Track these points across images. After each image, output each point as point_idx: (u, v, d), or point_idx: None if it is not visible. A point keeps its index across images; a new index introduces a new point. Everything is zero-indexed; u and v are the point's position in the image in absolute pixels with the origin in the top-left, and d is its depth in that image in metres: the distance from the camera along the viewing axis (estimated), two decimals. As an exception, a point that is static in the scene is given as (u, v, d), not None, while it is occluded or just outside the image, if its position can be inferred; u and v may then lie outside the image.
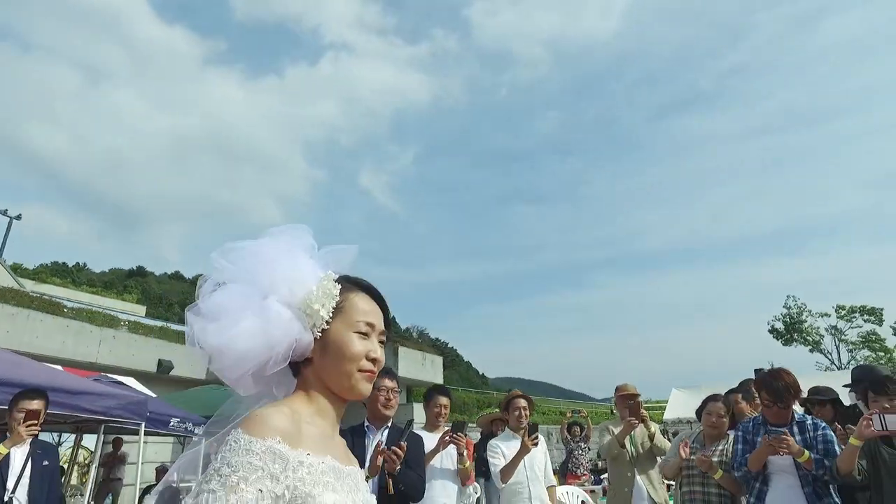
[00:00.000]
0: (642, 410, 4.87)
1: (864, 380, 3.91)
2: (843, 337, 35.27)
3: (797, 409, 4.79)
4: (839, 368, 30.84)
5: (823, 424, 3.43)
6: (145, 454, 14.67)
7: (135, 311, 27.33)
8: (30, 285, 20.81)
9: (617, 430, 4.96)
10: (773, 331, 37.45)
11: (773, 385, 3.45)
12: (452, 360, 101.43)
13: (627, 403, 5.01)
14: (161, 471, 9.50)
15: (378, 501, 2.97)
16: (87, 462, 12.76)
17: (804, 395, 4.52)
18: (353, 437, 3.30)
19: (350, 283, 1.17)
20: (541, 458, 4.38)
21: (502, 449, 4.28)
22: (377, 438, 3.27)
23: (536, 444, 4.08)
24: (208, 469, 0.90)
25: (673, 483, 5.23)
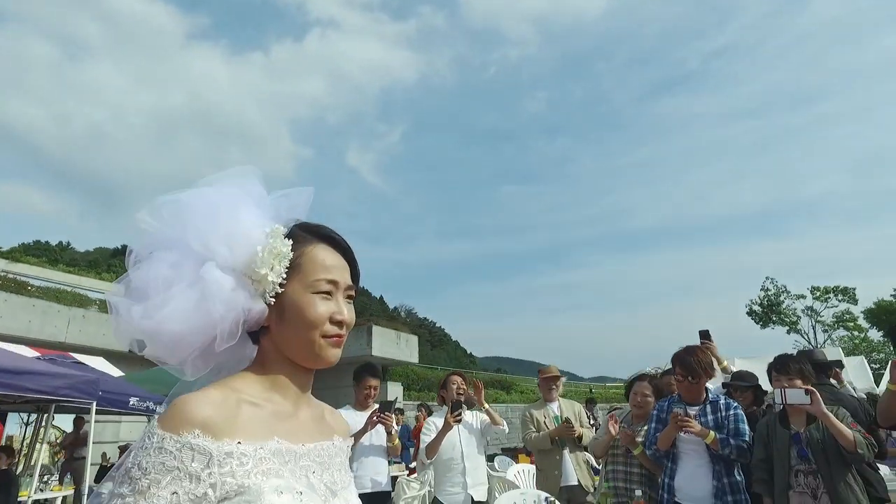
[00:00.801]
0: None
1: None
2: (818, 318, 35.91)
3: (711, 386, 4.91)
4: (815, 347, 31.46)
5: (735, 405, 3.51)
6: (118, 434, 14.70)
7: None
8: (1, 264, 20.55)
9: (538, 413, 5.07)
10: (751, 313, 37.99)
11: (686, 360, 3.52)
12: (440, 340, 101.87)
13: (551, 386, 5.15)
14: (124, 449, 9.52)
15: None
16: (58, 441, 12.78)
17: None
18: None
19: (307, 233, 1.00)
20: (478, 434, 4.45)
21: (435, 425, 4.34)
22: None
23: (459, 421, 4.12)
24: (119, 470, 0.80)
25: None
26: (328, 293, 0.97)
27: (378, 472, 4.31)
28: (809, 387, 3.07)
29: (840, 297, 35.04)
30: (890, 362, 3.27)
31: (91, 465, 8.07)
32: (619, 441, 4.04)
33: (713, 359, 5.22)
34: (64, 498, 9.79)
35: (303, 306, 0.95)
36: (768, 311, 37.31)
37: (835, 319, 35.16)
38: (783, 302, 37.19)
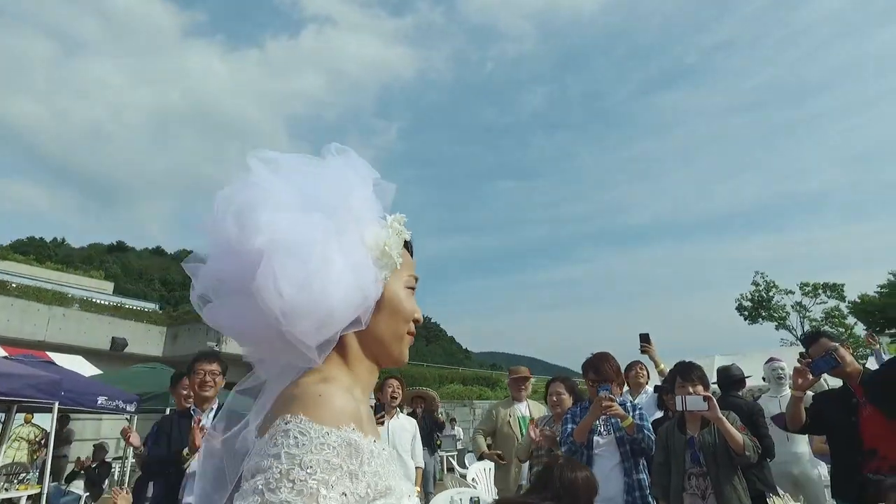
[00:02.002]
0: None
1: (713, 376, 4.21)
2: (807, 314, 36.07)
3: (650, 388, 5.02)
4: (732, 364, 31.54)
5: (640, 406, 3.64)
6: (99, 432, 14.77)
7: (101, 287, 27.20)
8: (-14, 262, 20.61)
9: (503, 412, 5.18)
10: (740, 308, 38.14)
11: (599, 366, 3.63)
12: (435, 335, 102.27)
13: (521, 386, 5.27)
14: (99, 448, 9.61)
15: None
16: (38, 440, 12.90)
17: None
18: (180, 420, 3.42)
19: None
20: (406, 438, 4.54)
21: None
22: (203, 420, 3.39)
23: (381, 423, 4.22)
24: (266, 472, 0.67)
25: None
26: (412, 289, 0.95)
27: None
28: (708, 394, 3.19)
29: (829, 293, 35.23)
30: (793, 369, 3.39)
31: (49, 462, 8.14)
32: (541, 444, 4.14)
33: (653, 361, 5.35)
34: (33, 496, 9.89)
35: (401, 299, 0.91)
36: (758, 307, 37.45)
37: (823, 315, 35.34)
38: (773, 297, 37.34)
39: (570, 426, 3.74)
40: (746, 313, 37.73)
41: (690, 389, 3.27)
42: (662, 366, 5.15)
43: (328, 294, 0.79)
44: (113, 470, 9.84)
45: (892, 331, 29.72)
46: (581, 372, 3.91)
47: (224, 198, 0.85)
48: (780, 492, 4.27)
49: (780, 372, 5.16)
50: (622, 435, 3.52)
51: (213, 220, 0.84)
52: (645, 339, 5.24)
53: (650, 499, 3.37)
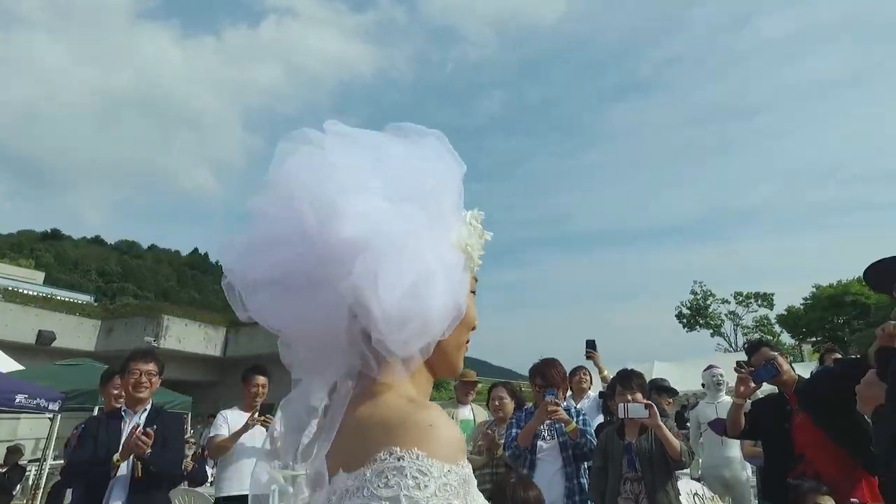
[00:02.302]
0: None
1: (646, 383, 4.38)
2: (739, 322, 37.99)
3: (593, 393, 5.12)
4: (735, 350, 33.21)
5: (584, 411, 3.72)
6: (16, 432, 13.87)
7: (30, 277, 25.64)
8: None
9: (448, 413, 5.18)
10: (680, 315, 39.78)
11: (546, 372, 3.68)
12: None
13: (468, 391, 5.31)
14: (14, 450, 9.01)
15: (130, 483, 3.01)
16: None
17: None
18: (109, 421, 3.24)
19: None
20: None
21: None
22: (134, 422, 3.22)
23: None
24: None
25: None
26: (474, 293, 0.85)
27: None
28: (649, 402, 3.28)
29: (760, 302, 37.19)
30: (737, 377, 3.51)
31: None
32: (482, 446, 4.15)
33: (597, 367, 5.46)
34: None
35: (469, 305, 0.81)
36: (695, 315, 39.09)
37: (754, 324, 37.28)
38: (710, 306, 39.06)
39: (514, 431, 3.76)
40: (685, 321, 39.37)
41: (629, 397, 3.35)
42: (606, 372, 5.27)
43: (431, 300, 0.70)
44: (28, 474, 9.17)
45: (813, 339, 31.65)
46: (528, 374, 3.95)
47: (293, 176, 0.72)
48: (710, 493, 4.46)
49: (719, 378, 5.37)
50: (565, 440, 3.57)
51: (278, 202, 0.72)
52: (591, 345, 5.34)
53: (588, 503, 3.43)
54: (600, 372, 5.38)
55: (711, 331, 38.70)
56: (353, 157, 0.74)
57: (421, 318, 0.70)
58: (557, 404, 3.49)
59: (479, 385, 5.87)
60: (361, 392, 0.74)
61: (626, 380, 3.44)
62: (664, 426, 3.14)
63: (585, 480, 3.52)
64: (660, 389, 5.16)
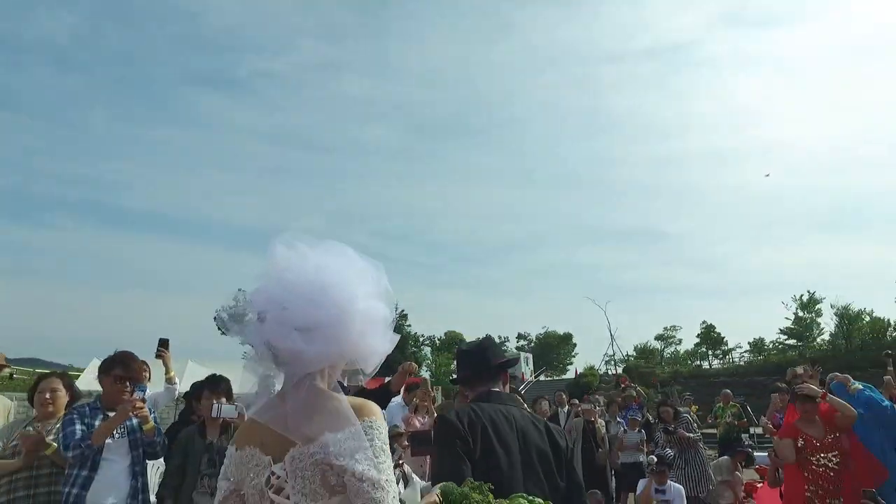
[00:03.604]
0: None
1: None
2: (271, 334, 41.36)
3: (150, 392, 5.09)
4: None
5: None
6: None
7: None
8: None
9: None
10: (217, 319, 40.30)
11: (129, 364, 3.66)
12: None
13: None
14: None
15: None
16: None
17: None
18: None
19: None
20: None
21: None
22: None
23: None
24: (367, 450, 1.28)
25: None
26: None
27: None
28: (240, 405, 3.67)
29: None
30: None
31: None
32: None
33: (165, 367, 5.42)
34: None
35: None
36: (232, 321, 40.44)
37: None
38: (247, 315, 41.06)
39: (78, 427, 3.50)
40: (223, 326, 40.13)
41: (217, 400, 3.71)
42: (172, 373, 5.30)
43: (386, 349, 1.44)
44: None
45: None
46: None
47: (323, 265, 1.38)
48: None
49: (270, 383, 6.11)
50: (136, 438, 3.56)
51: (325, 287, 1.34)
52: (164, 344, 5.26)
53: (151, 500, 3.52)
54: (167, 372, 5.35)
55: (241, 339, 40.63)
56: (361, 266, 1.44)
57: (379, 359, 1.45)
58: (144, 401, 3.50)
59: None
60: (315, 389, 1.37)
61: (215, 384, 3.79)
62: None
63: (146, 479, 3.58)
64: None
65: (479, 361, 2.32)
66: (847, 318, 37.01)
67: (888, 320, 37.90)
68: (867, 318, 38.16)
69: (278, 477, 1.30)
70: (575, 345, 49.66)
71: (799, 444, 4.49)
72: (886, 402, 4.77)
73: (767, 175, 60.13)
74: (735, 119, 72.49)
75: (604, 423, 8.71)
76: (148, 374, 5.42)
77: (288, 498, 1.28)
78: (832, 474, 4.27)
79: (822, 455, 4.36)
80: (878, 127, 64.76)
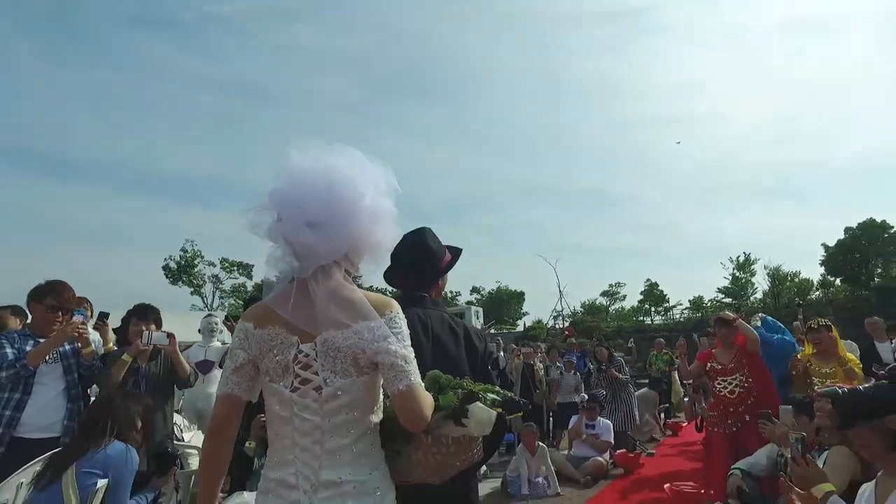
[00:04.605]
0: None
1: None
2: (220, 285, 40.70)
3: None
4: (209, 309, 35.11)
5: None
6: None
7: None
8: None
9: None
10: (166, 268, 39.45)
11: (62, 292, 3.61)
12: None
13: None
14: None
15: None
16: None
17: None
18: None
19: None
20: None
21: None
22: None
23: None
24: (395, 336, 1.45)
25: None
26: None
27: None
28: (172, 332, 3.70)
29: (241, 271, 40.85)
30: None
31: None
32: None
33: (103, 339, 5.25)
34: None
35: None
36: (181, 271, 39.49)
37: (232, 289, 40.73)
38: (197, 265, 40.18)
39: (8, 350, 3.46)
40: (171, 275, 39.34)
41: (147, 328, 3.72)
42: (111, 345, 5.14)
43: (391, 243, 1.58)
44: None
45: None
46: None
47: (334, 166, 1.45)
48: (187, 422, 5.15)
49: (213, 326, 6.12)
50: (70, 363, 3.56)
51: (334, 186, 1.43)
52: (103, 317, 4.93)
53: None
54: (104, 344, 5.15)
55: (192, 289, 39.89)
56: (359, 165, 1.50)
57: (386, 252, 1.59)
58: (84, 323, 3.49)
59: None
60: (334, 280, 1.49)
61: (143, 313, 3.81)
62: (180, 353, 3.69)
63: (83, 404, 3.60)
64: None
65: (418, 271, 2.20)
66: (777, 279, 39.34)
67: (812, 281, 40.61)
68: (796, 279, 40.72)
69: (306, 355, 1.44)
70: (524, 300, 50.95)
71: (709, 367, 4.93)
72: (776, 337, 5.28)
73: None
74: (687, 87, 73.52)
75: (543, 367, 9.13)
76: (90, 311, 5.30)
77: (317, 374, 1.42)
78: (732, 397, 4.68)
79: (723, 378, 4.78)
80: (821, 101, 67.18)
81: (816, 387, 4.28)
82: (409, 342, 1.46)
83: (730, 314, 5.19)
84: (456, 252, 2.35)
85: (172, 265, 39.58)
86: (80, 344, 3.57)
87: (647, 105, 69.90)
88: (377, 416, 1.49)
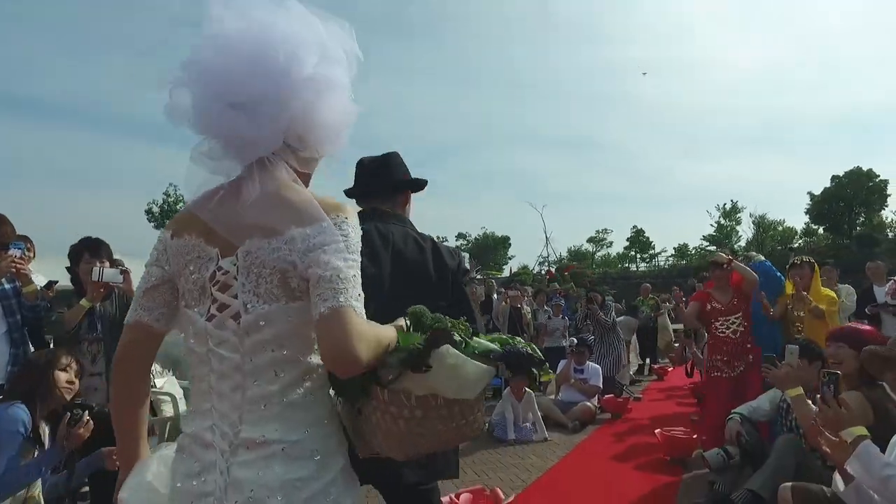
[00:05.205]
0: None
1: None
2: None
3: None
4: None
5: None
6: None
7: None
8: None
9: None
10: (149, 213, 39.29)
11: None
12: None
13: None
14: None
15: None
16: None
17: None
18: None
19: None
20: None
21: None
22: None
23: None
24: (339, 242, 1.09)
25: None
26: None
27: None
28: (127, 268, 3.36)
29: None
30: None
31: None
32: None
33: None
34: None
35: None
36: (164, 216, 39.07)
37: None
38: (179, 210, 39.65)
39: None
40: (154, 220, 39.22)
41: (100, 263, 3.36)
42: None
43: (344, 125, 1.18)
44: None
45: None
46: None
47: (268, 24, 1.08)
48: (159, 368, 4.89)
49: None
50: (10, 304, 3.24)
51: (266, 51, 1.06)
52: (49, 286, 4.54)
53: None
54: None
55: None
56: (309, 22, 1.12)
57: (338, 135, 1.18)
58: (24, 258, 3.15)
59: None
60: (276, 177, 1.13)
61: (96, 248, 3.45)
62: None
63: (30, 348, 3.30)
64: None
65: (374, 176, 2.02)
66: (762, 227, 39.64)
67: (795, 229, 41.00)
68: (780, 228, 41.06)
69: (226, 272, 1.11)
70: (510, 245, 50.99)
71: (707, 308, 4.72)
72: (780, 275, 5.10)
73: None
74: (678, 32, 71.66)
75: (530, 311, 8.95)
76: (32, 252, 4.89)
77: (236, 297, 1.09)
78: (735, 337, 4.52)
79: (724, 319, 4.59)
80: (813, 52, 65.91)
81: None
82: (356, 256, 1.09)
83: (724, 255, 4.98)
84: (423, 181, 2.15)
85: (156, 210, 39.07)
86: (20, 282, 3.23)
87: (636, 49, 68.26)
88: (319, 357, 1.11)
